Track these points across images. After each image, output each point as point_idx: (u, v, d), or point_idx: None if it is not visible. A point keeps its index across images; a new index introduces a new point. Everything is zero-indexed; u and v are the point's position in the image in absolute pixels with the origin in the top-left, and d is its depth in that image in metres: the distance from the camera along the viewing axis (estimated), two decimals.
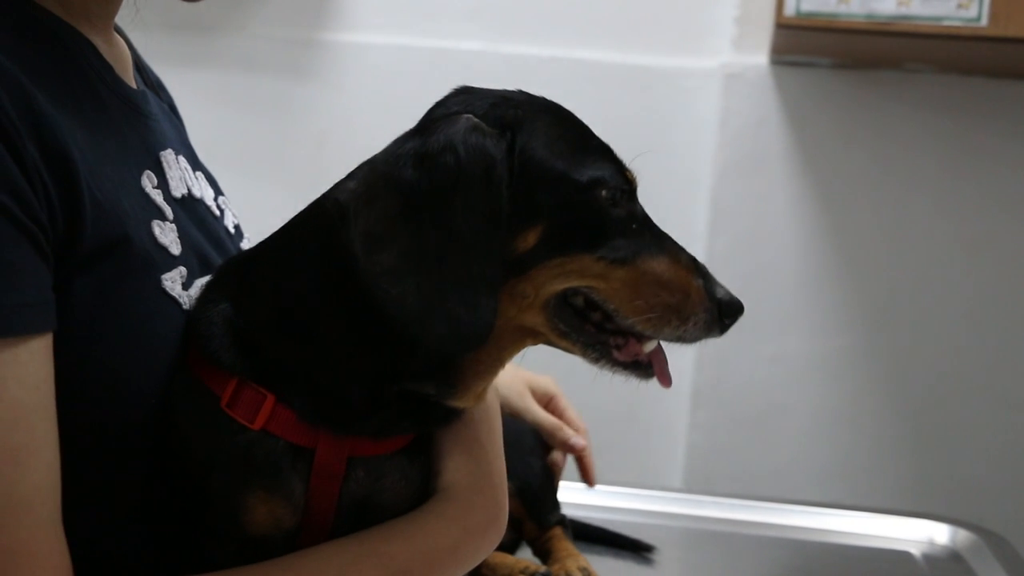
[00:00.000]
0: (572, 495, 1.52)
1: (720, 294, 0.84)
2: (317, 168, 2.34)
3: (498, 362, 0.88)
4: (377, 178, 0.81)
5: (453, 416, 0.91)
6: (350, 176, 0.87)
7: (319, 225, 0.86)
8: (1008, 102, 2.15)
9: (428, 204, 0.79)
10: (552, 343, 0.87)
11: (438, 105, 0.88)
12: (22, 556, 0.74)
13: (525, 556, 1.29)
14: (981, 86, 2.14)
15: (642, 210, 0.87)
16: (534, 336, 0.86)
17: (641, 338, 0.84)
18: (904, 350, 2.21)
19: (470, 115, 0.82)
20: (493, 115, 0.84)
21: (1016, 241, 2.17)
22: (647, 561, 1.41)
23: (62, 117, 0.80)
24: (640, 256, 0.83)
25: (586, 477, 1.37)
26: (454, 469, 0.91)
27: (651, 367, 0.86)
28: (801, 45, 2.09)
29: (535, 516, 1.29)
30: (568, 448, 1.32)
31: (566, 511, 1.35)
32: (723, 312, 0.84)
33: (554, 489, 1.33)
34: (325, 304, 0.84)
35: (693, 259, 0.86)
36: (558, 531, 1.29)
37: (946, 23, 1.81)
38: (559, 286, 0.83)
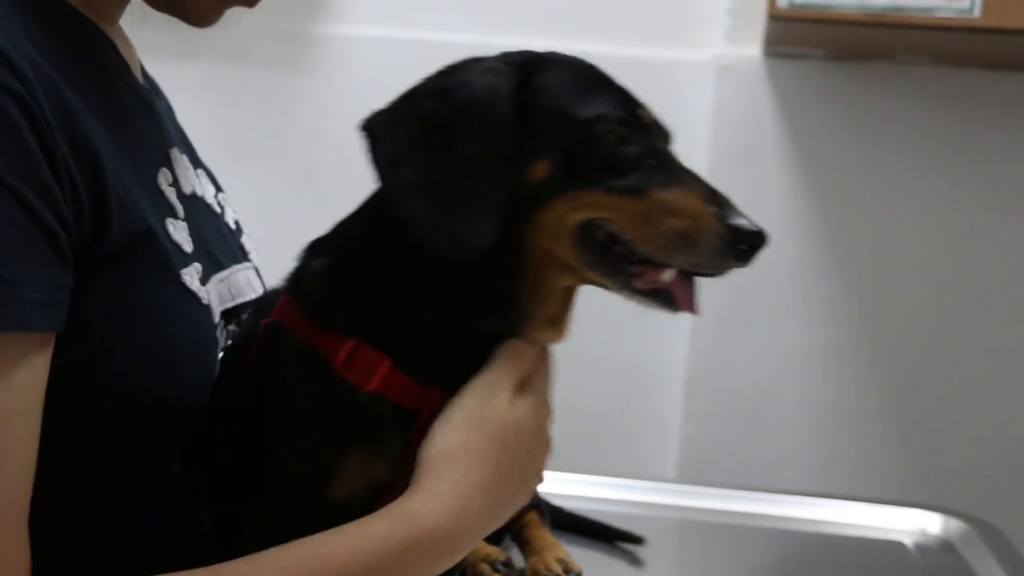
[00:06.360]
0: (563, 486, 1.52)
1: (735, 221, 0.85)
2: (310, 160, 2.33)
3: (548, 291, 0.90)
4: (402, 107, 0.90)
5: None
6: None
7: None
8: (1001, 94, 2.14)
9: (441, 132, 0.87)
10: (585, 277, 0.90)
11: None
12: None
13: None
14: (974, 78, 2.14)
15: (663, 147, 0.92)
16: (571, 271, 0.90)
17: (658, 266, 0.87)
18: (896, 341, 2.22)
19: (490, 58, 0.90)
20: (513, 59, 0.92)
21: (1008, 233, 2.17)
22: (639, 552, 1.41)
23: (87, 114, 0.80)
24: (651, 188, 0.87)
25: None
26: (419, 477, 0.85)
27: (671, 296, 0.88)
28: (794, 37, 2.09)
29: None
30: None
31: (557, 502, 1.35)
32: (737, 238, 0.84)
33: None
34: (397, 258, 0.90)
35: (712, 191, 0.87)
36: (534, 517, 1.27)
37: (939, 14, 1.81)
38: (576, 217, 0.87)
